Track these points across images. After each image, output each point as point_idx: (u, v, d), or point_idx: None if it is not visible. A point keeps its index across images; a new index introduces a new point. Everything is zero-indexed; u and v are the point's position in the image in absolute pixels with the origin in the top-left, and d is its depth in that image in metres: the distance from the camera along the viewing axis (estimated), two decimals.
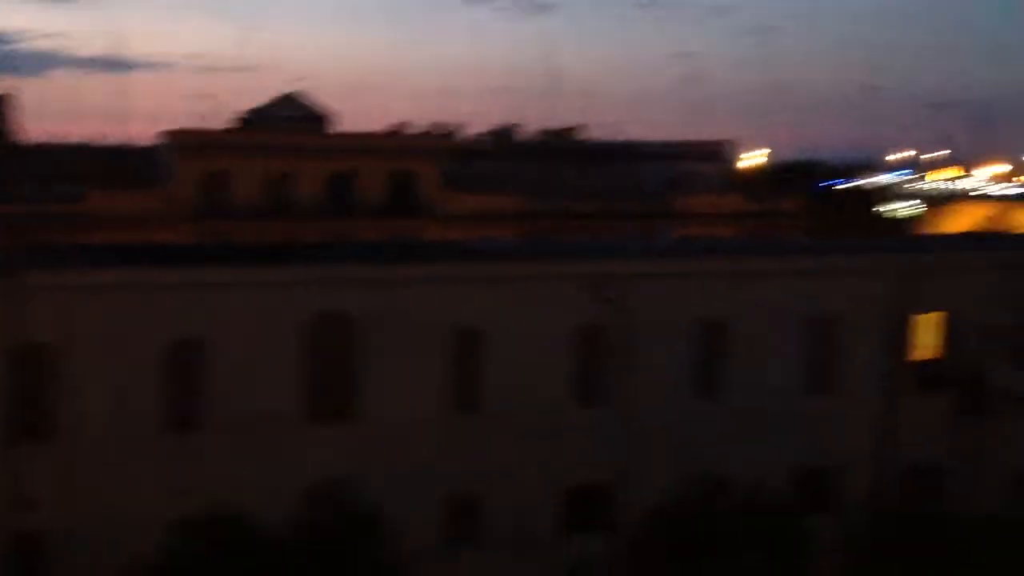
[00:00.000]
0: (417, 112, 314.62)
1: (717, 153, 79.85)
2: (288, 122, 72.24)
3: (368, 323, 30.57)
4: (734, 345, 33.47)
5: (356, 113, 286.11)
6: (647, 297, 32.52)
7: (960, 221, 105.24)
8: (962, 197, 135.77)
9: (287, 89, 78.59)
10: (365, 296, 30.69)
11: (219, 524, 23.36)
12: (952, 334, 35.55)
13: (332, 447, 30.22)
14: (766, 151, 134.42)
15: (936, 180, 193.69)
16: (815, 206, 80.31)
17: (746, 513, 25.32)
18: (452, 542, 31.32)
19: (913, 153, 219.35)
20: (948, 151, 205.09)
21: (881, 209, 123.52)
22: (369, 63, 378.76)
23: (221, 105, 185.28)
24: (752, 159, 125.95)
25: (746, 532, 24.88)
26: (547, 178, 74.75)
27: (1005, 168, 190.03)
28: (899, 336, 35.03)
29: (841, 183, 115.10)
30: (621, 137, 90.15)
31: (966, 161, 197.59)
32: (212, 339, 29.15)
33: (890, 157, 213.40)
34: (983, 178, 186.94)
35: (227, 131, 73.54)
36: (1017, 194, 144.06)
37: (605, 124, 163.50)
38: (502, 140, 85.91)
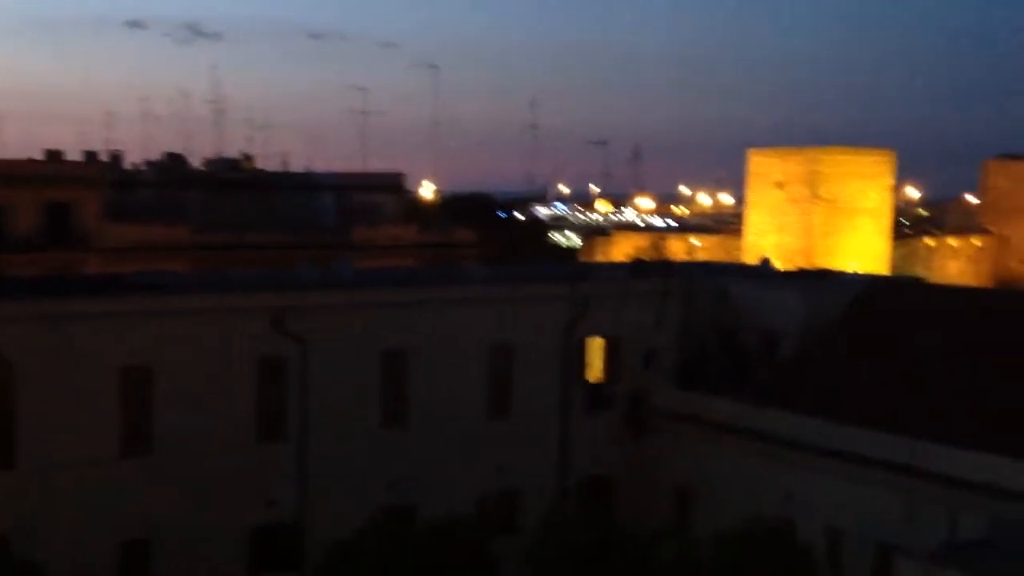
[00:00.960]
0: (77, 139, 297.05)
1: (393, 184, 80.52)
2: None
3: (26, 363, 28.31)
4: (417, 374, 33.76)
5: (8, 141, 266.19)
6: (327, 328, 32.23)
7: (620, 250, 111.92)
8: (620, 227, 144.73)
9: None
10: (21, 334, 28.43)
11: None
12: (617, 356, 37.64)
13: None
14: (433, 185, 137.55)
15: (596, 212, 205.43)
16: (491, 236, 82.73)
17: (435, 541, 25.43)
18: None
19: (572, 188, 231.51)
20: (603, 186, 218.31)
21: (549, 239, 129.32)
22: (24, 87, 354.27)
23: None
24: (424, 191, 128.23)
25: (435, 560, 24.98)
26: (217, 208, 72.47)
27: (653, 203, 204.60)
28: (573, 359, 36.66)
29: (510, 215, 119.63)
30: (291, 168, 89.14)
31: (624, 194, 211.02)
32: None
33: (554, 190, 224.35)
34: (639, 210, 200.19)
35: None
36: (669, 225, 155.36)
37: (274, 154, 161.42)
38: (169, 168, 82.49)
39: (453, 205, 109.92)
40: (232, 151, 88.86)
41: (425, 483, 32.67)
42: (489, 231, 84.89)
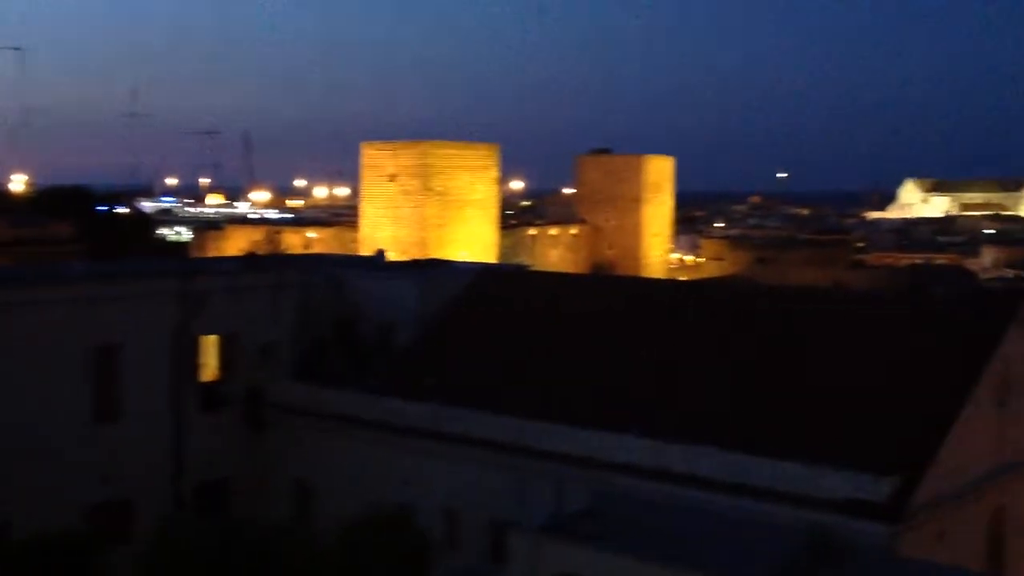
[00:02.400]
0: None
1: None
2: None
3: None
4: (7, 381, 31.05)
5: None
6: None
7: (233, 244, 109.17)
8: (234, 221, 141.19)
9: None
10: None
11: None
12: (233, 353, 36.68)
13: None
14: (25, 177, 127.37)
15: (208, 205, 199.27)
16: (93, 232, 77.79)
17: (30, 558, 23.50)
18: None
19: (182, 181, 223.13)
20: (214, 178, 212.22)
21: (159, 233, 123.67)
22: None
23: None
24: (15, 184, 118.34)
25: None
26: None
27: (268, 196, 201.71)
28: (186, 358, 35.26)
29: (115, 208, 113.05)
30: None
31: (237, 187, 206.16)
32: None
33: (162, 183, 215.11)
34: (254, 203, 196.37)
35: None
36: (285, 218, 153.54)
37: None
38: None
39: (48, 199, 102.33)
40: None
41: (24, 496, 30.15)
42: (91, 227, 79.89)
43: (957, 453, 26.69)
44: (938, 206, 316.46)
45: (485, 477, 31.02)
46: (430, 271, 43.68)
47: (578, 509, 26.20)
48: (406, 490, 31.75)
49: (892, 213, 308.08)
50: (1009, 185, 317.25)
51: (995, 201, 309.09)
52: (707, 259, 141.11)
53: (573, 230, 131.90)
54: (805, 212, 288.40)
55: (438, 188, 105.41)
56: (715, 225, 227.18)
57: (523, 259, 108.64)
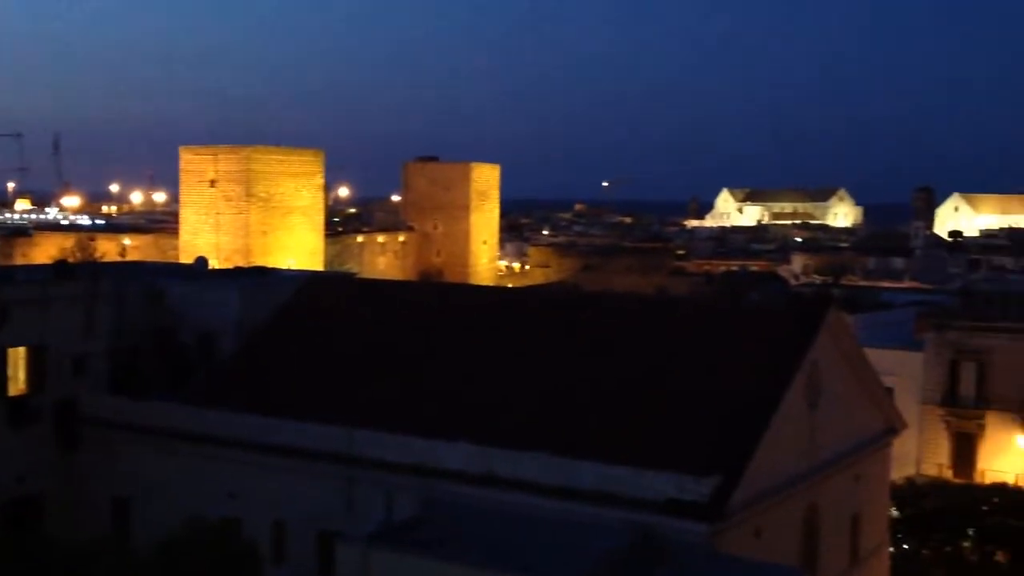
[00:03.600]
0: None
1: None
2: None
3: None
4: None
5: None
6: None
7: (43, 252, 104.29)
8: (43, 227, 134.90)
9: None
10: None
11: None
12: (43, 366, 34.96)
13: None
14: None
15: (16, 211, 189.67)
16: None
17: None
18: None
19: None
20: (22, 183, 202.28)
21: None
22: None
23: None
24: None
25: None
26: None
27: (80, 201, 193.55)
28: None
29: None
30: None
31: (48, 192, 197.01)
32: None
33: None
34: (64, 208, 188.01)
35: None
36: (99, 224, 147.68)
37: None
38: None
39: None
40: None
41: None
42: None
43: (772, 453, 27.75)
44: (751, 215, 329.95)
45: (313, 488, 30.48)
46: (253, 279, 42.74)
47: (407, 518, 26.06)
48: (231, 503, 30.88)
49: (709, 221, 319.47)
50: (817, 195, 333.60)
51: (803, 210, 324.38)
52: (534, 266, 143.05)
53: (401, 237, 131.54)
54: (628, 220, 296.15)
55: (261, 194, 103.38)
56: (542, 232, 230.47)
57: (350, 266, 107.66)
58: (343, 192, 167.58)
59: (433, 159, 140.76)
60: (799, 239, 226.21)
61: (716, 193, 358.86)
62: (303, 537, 30.44)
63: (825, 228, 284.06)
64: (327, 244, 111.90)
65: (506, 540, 24.45)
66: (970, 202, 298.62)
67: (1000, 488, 49.86)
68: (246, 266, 57.29)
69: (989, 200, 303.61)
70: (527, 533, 25.03)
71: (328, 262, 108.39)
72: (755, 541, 26.93)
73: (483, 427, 29.45)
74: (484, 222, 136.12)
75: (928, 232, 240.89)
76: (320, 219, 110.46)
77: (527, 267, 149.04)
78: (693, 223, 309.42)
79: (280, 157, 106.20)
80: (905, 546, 45.67)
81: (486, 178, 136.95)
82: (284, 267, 65.74)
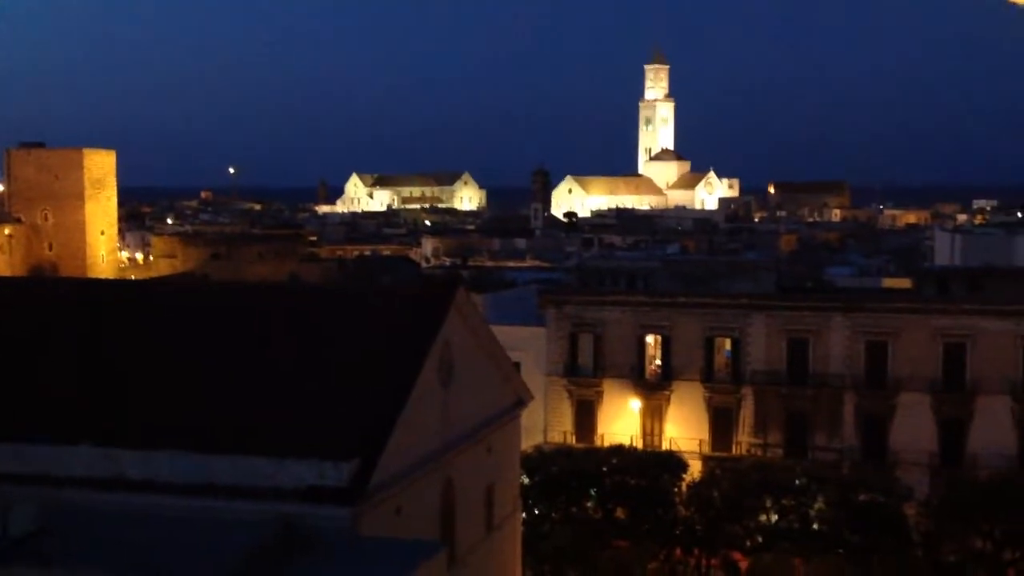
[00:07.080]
0: None
1: None
2: None
3: None
4: None
5: None
6: None
7: None
8: None
9: None
10: None
11: None
12: None
13: None
14: None
15: None
16: None
17: None
18: None
19: None
20: None
21: None
22: None
23: None
24: None
25: None
26: None
27: None
28: None
29: None
30: None
31: None
32: None
33: None
34: None
35: None
36: None
37: None
38: None
39: None
40: None
41: None
42: None
43: (409, 432, 28.32)
44: (381, 199, 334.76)
45: None
46: None
47: (26, 531, 24.21)
48: None
49: (340, 207, 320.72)
50: (443, 179, 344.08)
51: (431, 195, 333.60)
52: (158, 257, 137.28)
53: (7, 230, 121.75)
54: (258, 207, 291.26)
55: None
56: (167, 222, 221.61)
57: None
58: None
59: (40, 145, 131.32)
60: (428, 223, 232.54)
61: (346, 178, 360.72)
62: None
63: (453, 212, 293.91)
64: None
65: (139, 545, 23.33)
66: (582, 184, 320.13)
67: (618, 449, 53.97)
68: None
69: (599, 182, 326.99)
70: (163, 536, 24.02)
71: None
72: (396, 520, 27.41)
73: (108, 429, 27.89)
74: (101, 212, 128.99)
75: (546, 214, 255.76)
76: None
77: (152, 258, 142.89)
78: (324, 209, 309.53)
79: None
80: (536, 511, 48.39)
81: (101, 165, 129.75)
82: None
